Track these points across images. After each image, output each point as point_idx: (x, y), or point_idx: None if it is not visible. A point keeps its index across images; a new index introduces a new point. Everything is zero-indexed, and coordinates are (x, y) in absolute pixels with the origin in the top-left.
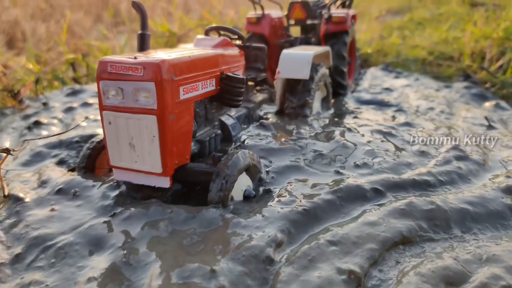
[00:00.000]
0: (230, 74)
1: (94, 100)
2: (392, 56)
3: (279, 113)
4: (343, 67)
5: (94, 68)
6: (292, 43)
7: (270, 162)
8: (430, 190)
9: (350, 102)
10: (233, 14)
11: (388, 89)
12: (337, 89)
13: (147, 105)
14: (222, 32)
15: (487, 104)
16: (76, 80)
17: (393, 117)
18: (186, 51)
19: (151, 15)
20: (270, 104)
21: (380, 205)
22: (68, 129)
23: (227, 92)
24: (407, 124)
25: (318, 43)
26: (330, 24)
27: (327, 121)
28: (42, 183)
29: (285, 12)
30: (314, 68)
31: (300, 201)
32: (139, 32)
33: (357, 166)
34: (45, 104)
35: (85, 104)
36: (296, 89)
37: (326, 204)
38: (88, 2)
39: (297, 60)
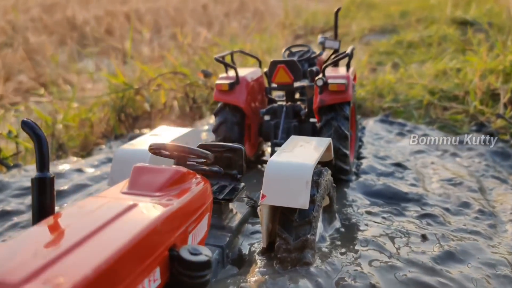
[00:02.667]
0: (186, 252)
1: (16, 207)
2: (389, 99)
3: (268, 251)
4: (345, 149)
5: (28, 148)
6: (275, 112)
7: None
8: None
9: (357, 198)
10: (205, 34)
11: (399, 165)
12: (338, 175)
13: None
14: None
15: None
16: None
17: (424, 238)
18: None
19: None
20: (254, 225)
21: None
22: None
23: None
24: (449, 256)
25: (310, 111)
26: (327, 93)
27: (336, 261)
28: None
29: (265, 68)
30: (314, 179)
31: None
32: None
33: None
34: None
35: None
36: (291, 219)
37: None
38: (53, 23)
39: (289, 181)
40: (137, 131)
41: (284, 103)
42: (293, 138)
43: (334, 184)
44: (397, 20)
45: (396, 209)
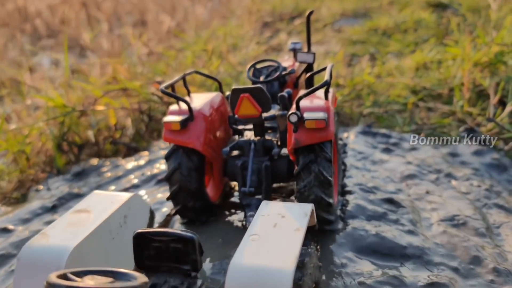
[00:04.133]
0: None
1: None
2: (369, 104)
3: None
4: (328, 198)
5: None
6: (242, 149)
7: None
8: None
9: (346, 260)
10: (169, 22)
11: (391, 202)
12: (322, 225)
13: None
14: None
15: None
16: None
17: None
18: None
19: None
20: None
21: None
22: None
23: None
24: None
25: (283, 144)
26: (303, 132)
27: None
28: None
29: (227, 91)
30: (296, 280)
31: None
32: None
33: None
34: None
35: None
36: None
37: None
38: (2, 14)
39: None
40: (83, 163)
41: (252, 134)
42: (265, 207)
43: (320, 264)
44: (369, 2)
45: (396, 277)
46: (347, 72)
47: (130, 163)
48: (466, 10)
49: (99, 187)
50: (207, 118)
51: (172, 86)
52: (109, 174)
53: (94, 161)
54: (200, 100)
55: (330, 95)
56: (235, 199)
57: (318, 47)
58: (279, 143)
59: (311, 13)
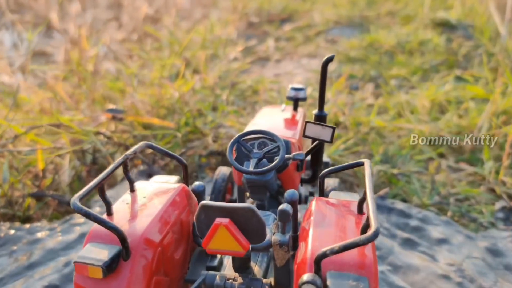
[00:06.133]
0: None
1: None
2: (379, 157)
3: None
4: None
5: None
6: None
7: None
8: None
9: None
10: (145, 9)
11: None
12: None
13: None
14: None
15: None
16: None
17: None
18: None
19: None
20: None
21: None
22: None
23: None
24: None
25: (279, 283)
26: None
27: None
28: None
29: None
30: None
31: None
32: None
33: None
34: None
35: None
36: None
37: None
38: None
39: None
40: None
41: (230, 265)
42: None
43: None
44: (364, 8)
45: None
46: (347, 100)
47: (54, 236)
48: (477, 31)
49: None
50: (154, 250)
51: (101, 187)
52: (14, 261)
53: (5, 227)
54: (144, 211)
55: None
56: None
57: (310, 60)
58: (272, 284)
59: (330, 59)
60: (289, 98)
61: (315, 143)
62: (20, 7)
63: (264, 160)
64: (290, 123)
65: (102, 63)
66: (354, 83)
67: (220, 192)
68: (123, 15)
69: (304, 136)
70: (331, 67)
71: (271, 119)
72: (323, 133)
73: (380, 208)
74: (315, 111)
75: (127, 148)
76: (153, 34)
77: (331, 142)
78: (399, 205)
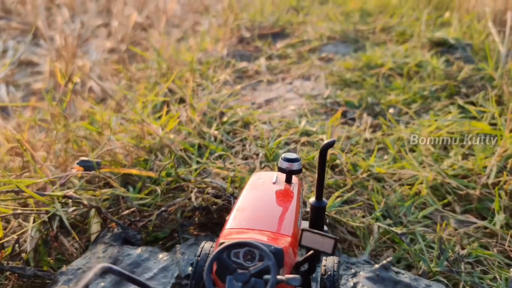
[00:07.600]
0: None
1: None
2: (380, 213)
3: None
4: None
5: None
6: None
7: None
8: None
9: None
10: (135, 17)
11: None
12: None
13: None
14: None
15: None
16: None
17: None
18: None
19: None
20: None
21: None
22: None
23: None
24: None
25: None
26: None
27: None
28: None
29: None
30: None
31: None
32: None
33: None
34: None
35: None
36: None
37: None
38: None
39: None
40: None
41: None
42: None
43: None
44: (358, 22)
45: None
46: (342, 132)
47: None
48: (476, 54)
49: None
50: None
51: None
52: None
53: None
54: None
55: None
56: None
57: (303, 83)
58: None
59: (330, 145)
60: (282, 170)
61: (310, 252)
62: (7, 14)
63: (252, 279)
64: (283, 205)
65: (86, 81)
66: (350, 112)
67: (202, 279)
68: (113, 21)
69: (300, 246)
70: (324, 90)
71: (261, 201)
72: (323, 243)
73: (383, 281)
74: (312, 199)
75: (99, 211)
76: (139, 52)
77: (332, 254)
78: (405, 276)
